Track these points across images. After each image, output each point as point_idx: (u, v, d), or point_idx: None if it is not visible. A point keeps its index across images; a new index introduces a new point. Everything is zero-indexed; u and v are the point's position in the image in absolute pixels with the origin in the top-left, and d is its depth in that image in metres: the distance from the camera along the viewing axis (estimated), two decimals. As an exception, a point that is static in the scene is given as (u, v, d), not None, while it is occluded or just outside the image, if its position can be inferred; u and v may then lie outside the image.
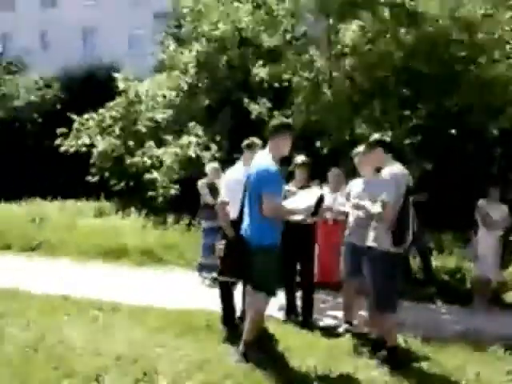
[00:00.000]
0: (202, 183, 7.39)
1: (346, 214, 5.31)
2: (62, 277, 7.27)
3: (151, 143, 11.89)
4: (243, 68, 11.12)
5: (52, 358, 4.05)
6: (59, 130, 12.37)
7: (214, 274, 5.89)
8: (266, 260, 4.10)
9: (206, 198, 7.22)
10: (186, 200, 9.41)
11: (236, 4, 10.43)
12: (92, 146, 12.39)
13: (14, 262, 8.16)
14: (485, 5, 7.37)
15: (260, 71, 8.75)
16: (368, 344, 4.61)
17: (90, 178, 12.56)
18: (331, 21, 7.47)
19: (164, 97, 12.60)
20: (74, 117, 12.57)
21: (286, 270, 5.54)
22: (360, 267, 4.83)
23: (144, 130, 12.46)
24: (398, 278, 4.29)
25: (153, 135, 12.35)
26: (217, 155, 10.75)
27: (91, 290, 6.39)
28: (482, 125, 7.82)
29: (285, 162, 5.24)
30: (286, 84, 8.67)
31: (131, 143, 12.35)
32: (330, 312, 5.98)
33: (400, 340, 4.66)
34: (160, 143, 11.90)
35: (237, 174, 4.94)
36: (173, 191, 11.07)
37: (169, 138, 11.75)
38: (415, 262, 7.32)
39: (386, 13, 7.31)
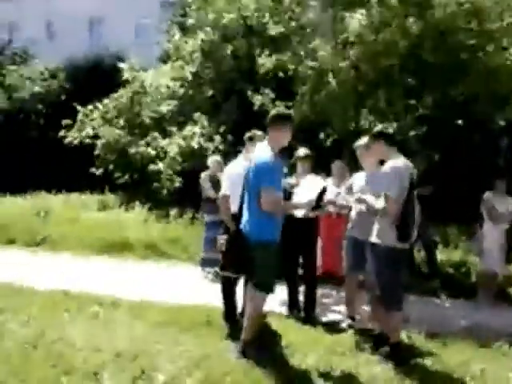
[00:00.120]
0: (204, 176, 7.33)
1: (350, 208, 5.23)
2: (65, 272, 7.25)
3: (156, 134, 11.83)
4: (248, 57, 11.00)
5: (51, 355, 4.04)
6: (64, 122, 12.32)
7: (217, 269, 5.86)
8: (264, 256, 4.03)
9: (208, 191, 7.16)
10: (190, 193, 9.36)
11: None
12: (96, 137, 12.35)
13: (17, 257, 8.17)
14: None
15: (266, 61, 8.62)
16: (371, 340, 4.55)
17: (94, 170, 12.54)
18: (336, 9, 7.33)
19: (168, 87, 12.51)
20: (79, 107, 12.52)
21: (287, 264, 5.50)
22: (362, 261, 4.77)
23: (148, 121, 12.39)
24: (402, 273, 4.23)
25: (157, 126, 12.27)
26: (220, 147, 10.68)
27: (94, 285, 6.38)
28: (488, 115, 7.68)
29: (286, 153, 5.19)
30: (291, 73, 8.56)
31: (136, 134, 12.29)
32: (332, 307, 5.93)
33: (403, 335, 4.60)
34: (165, 134, 11.84)
35: (239, 167, 4.87)
36: (177, 183, 11.01)
37: (173, 129, 11.68)
38: (420, 256, 7.25)
39: (394, 0, 7.17)
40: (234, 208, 4.64)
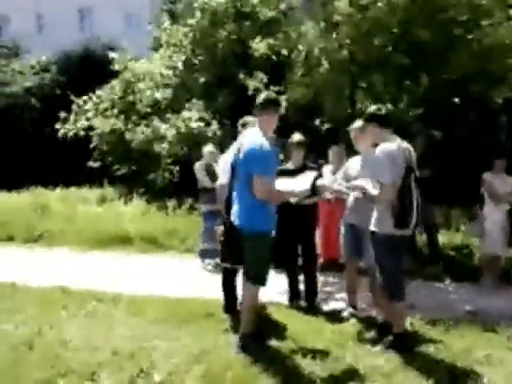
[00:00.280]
0: (198, 166, 7.20)
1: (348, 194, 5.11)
2: (64, 268, 7.18)
3: (153, 117, 11.75)
4: (240, 42, 10.87)
5: (47, 356, 3.95)
6: (61, 115, 12.21)
7: (218, 260, 5.77)
8: (256, 247, 3.93)
9: (204, 181, 7.05)
10: (188, 183, 9.27)
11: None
12: (91, 129, 12.24)
13: (15, 254, 8.10)
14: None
15: (260, 46, 8.48)
16: (373, 329, 4.47)
17: (91, 163, 12.45)
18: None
19: (162, 76, 12.37)
20: (74, 99, 12.39)
21: (287, 254, 5.42)
22: (360, 247, 4.70)
23: (143, 108, 12.27)
24: (402, 260, 4.13)
25: (153, 114, 12.18)
26: (218, 132, 10.58)
27: (92, 280, 6.31)
28: (484, 94, 7.55)
29: (281, 141, 5.07)
30: (284, 57, 8.43)
31: (131, 121, 12.18)
32: (334, 295, 5.86)
33: (406, 322, 4.51)
34: (161, 121, 11.74)
35: (234, 155, 4.74)
36: (175, 171, 10.96)
37: (169, 116, 11.61)
38: (421, 239, 7.16)
39: None
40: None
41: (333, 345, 4.21)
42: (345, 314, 5.00)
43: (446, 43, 6.97)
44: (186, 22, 11.57)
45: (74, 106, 12.35)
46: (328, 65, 7.31)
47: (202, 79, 11.65)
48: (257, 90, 8.70)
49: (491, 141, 9.43)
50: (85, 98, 12.42)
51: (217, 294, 5.07)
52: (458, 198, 8.34)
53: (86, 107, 12.33)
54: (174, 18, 13.10)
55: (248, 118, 4.88)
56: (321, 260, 6.68)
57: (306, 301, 5.37)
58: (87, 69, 16.44)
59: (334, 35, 7.15)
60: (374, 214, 4.11)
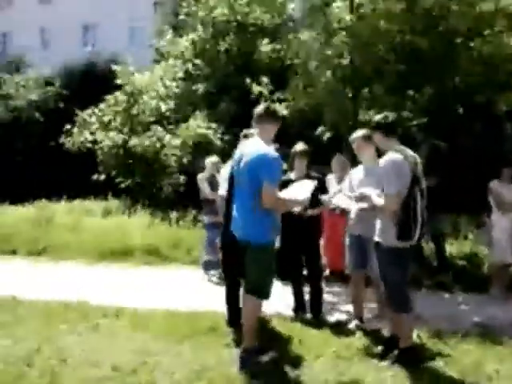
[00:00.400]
0: (201, 177, 7.17)
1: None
2: (67, 281, 7.11)
3: (158, 127, 11.79)
4: (242, 51, 10.92)
5: (46, 373, 3.86)
6: (65, 128, 12.26)
7: (222, 271, 5.70)
8: (261, 259, 3.84)
9: (206, 192, 7.01)
10: (192, 194, 9.23)
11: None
12: (95, 142, 12.27)
13: (18, 268, 8.03)
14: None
15: (266, 48, 8.49)
16: (380, 342, 4.36)
17: (96, 176, 12.46)
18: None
19: (166, 87, 12.42)
20: (78, 112, 12.44)
21: (292, 265, 5.34)
22: (365, 258, 4.62)
23: (147, 119, 12.31)
24: (409, 271, 4.03)
25: (156, 125, 12.21)
26: (219, 143, 10.60)
27: (96, 294, 6.22)
28: (488, 102, 7.47)
29: (283, 150, 5.01)
30: (288, 64, 8.44)
31: (135, 132, 12.21)
32: (340, 306, 5.77)
33: (413, 335, 4.41)
34: (165, 132, 11.80)
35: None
36: (182, 179, 10.98)
37: (172, 127, 11.67)
38: (429, 248, 7.05)
39: None
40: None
41: (338, 359, 4.12)
42: (351, 326, 4.90)
43: (447, 51, 6.92)
44: (188, 35, 11.64)
45: (77, 119, 12.38)
46: (329, 74, 7.27)
47: (206, 88, 11.66)
48: (261, 96, 8.70)
49: (496, 149, 9.34)
50: (88, 111, 12.46)
51: (221, 306, 4.99)
52: (465, 207, 8.23)
53: (90, 120, 12.36)
54: (177, 30, 13.16)
55: (249, 131, 4.86)
56: (326, 271, 6.60)
57: (311, 312, 5.27)
58: (90, 83, 16.53)
59: (334, 44, 7.12)
60: (378, 225, 4.03)
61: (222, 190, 4.91)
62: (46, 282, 7.00)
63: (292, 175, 5.23)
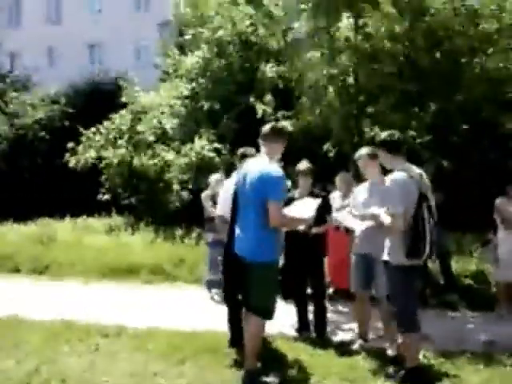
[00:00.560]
0: (205, 195, 7.16)
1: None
2: (70, 299, 7.05)
3: (162, 146, 11.82)
4: (246, 70, 10.98)
5: (45, 396, 3.81)
6: (69, 146, 12.31)
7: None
8: (265, 278, 3.78)
9: (210, 210, 6.97)
10: (196, 212, 9.21)
11: (235, 9, 10.29)
12: (100, 159, 12.31)
13: (20, 287, 7.97)
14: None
15: (269, 70, 8.53)
16: (385, 363, 4.28)
17: (100, 196, 12.47)
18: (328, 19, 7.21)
19: (171, 106, 12.49)
20: (82, 130, 12.50)
21: (295, 283, 5.28)
22: (371, 277, 4.56)
23: (151, 138, 12.35)
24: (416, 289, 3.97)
25: (160, 144, 12.27)
26: (228, 156, 10.62)
27: (98, 313, 6.15)
28: (493, 119, 7.46)
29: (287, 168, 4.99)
30: (292, 84, 8.46)
31: (140, 150, 12.26)
32: (344, 325, 5.67)
33: (419, 355, 4.32)
34: (169, 151, 11.84)
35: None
36: (187, 195, 10.98)
37: (174, 146, 11.70)
38: (434, 266, 6.97)
39: (389, 7, 7.02)
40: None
41: (343, 380, 4.04)
42: (355, 346, 4.82)
43: (451, 69, 6.93)
44: (193, 54, 11.73)
45: (82, 138, 12.44)
46: (334, 93, 7.29)
47: (210, 107, 11.71)
48: (265, 115, 8.70)
49: (502, 166, 9.29)
50: (93, 129, 12.52)
51: (223, 325, 4.91)
52: (471, 225, 8.16)
53: (95, 139, 12.42)
54: (183, 49, 13.27)
55: (247, 150, 4.85)
56: (330, 289, 6.53)
57: (315, 331, 5.20)
58: (95, 101, 16.62)
59: (339, 62, 7.14)
60: (387, 244, 3.98)
61: (220, 210, 4.87)
62: (48, 301, 6.94)
63: (296, 193, 5.20)
